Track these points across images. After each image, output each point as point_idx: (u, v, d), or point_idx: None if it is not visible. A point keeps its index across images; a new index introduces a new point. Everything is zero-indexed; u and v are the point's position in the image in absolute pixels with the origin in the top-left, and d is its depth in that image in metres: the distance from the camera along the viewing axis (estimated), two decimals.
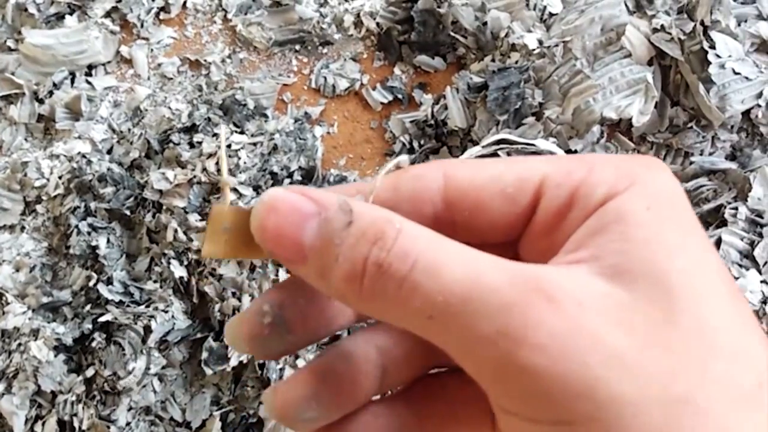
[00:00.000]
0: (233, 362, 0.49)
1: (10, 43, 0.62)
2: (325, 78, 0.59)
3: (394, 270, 0.20)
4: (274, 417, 0.24)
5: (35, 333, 0.52)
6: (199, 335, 0.52)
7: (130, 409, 0.50)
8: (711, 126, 0.54)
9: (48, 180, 0.56)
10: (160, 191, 0.54)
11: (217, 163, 0.53)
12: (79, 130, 0.58)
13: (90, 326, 0.52)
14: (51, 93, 0.60)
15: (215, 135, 0.56)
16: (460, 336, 0.19)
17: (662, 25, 0.55)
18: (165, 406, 0.51)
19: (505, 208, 0.23)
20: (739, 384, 0.19)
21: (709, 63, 0.53)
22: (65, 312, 0.53)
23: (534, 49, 0.56)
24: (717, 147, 0.55)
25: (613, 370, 0.18)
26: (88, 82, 0.60)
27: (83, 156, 0.56)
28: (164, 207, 0.54)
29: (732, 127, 0.54)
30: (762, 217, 0.51)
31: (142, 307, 0.52)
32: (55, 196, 0.56)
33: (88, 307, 0.53)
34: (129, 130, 0.58)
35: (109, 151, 0.58)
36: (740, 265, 0.50)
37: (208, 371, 0.49)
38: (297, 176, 0.55)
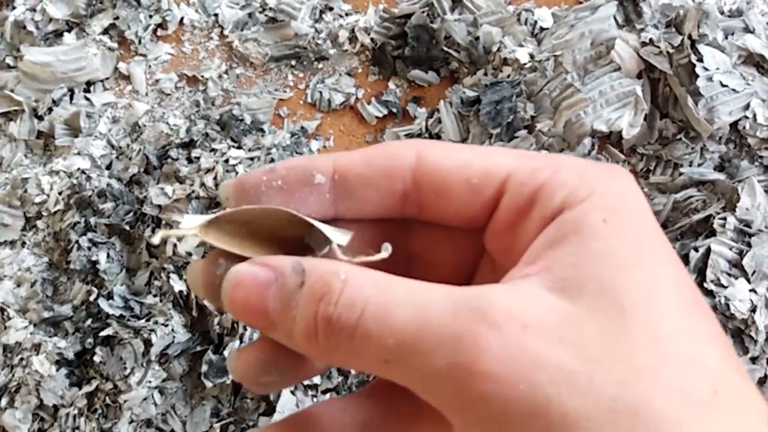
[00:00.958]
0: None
1: (9, 61, 0.63)
2: (321, 93, 0.60)
3: (343, 321, 0.20)
4: (235, 377, 0.25)
5: (37, 347, 0.53)
6: (198, 348, 0.52)
7: (131, 422, 0.51)
8: (699, 137, 0.55)
9: (48, 196, 0.57)
10: (159, 206, 0.55)
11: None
12: (78, 146, 0.59)
13: (91, 340, 0.53)
14: (50, 110, 0.60)
15: (213, 150, 0.57)
16: (417, 374, 0.20)
17: (651, 39, 0.56)
18: (166, 418, 0.52)
19: (470, 197, 0.24)
20: (693, 392, 0.19)
21: (697, 76, 0.54)
22: (66, 326, 0.54)
23: (525, 64, 0.57)
24: (706, 158, 0.56)
25: (561, 387, 0.18)
26: (87, 99, 0.61)
27: (83, 172, 0.57)
28: (163, 222, 0.55)
29: (720, 138, 0.55)
30: (750, 227, 0.52)
31: (143, 321, 0.52)
32: (56, 212, 0.57)
33: (89, 322, 0.53)
34: (128, 145, 0.59)
35: (108, 167, 0.59)
36: (729, 275, 0.51)
37: (208, 384, 0.50)
38: None
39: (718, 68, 0.55)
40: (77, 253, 0.55)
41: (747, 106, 0.54)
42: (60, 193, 0.57)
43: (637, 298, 0.20)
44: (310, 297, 0.21)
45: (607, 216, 0.21)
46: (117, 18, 0.62)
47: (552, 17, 0.59)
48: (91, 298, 0.54)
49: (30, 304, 0.55)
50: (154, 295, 0.54)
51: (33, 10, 0.63)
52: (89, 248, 0.55)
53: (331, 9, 0.62)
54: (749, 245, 0.51)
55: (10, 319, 0.54)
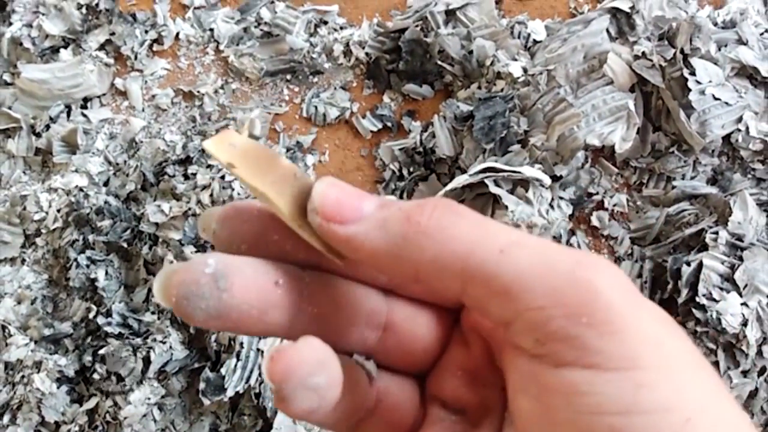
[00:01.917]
0: (230, 393, 0.50)
1: (7, 78, 0.63)
2: (316, 107, 0.61)
3: (463, 207, 0.21)
4: (275, 379, 0.20)
5: (38, 365, 0.53)
6: (196, 365, 0.53)
7: None
8: (692, 151, 0.55)
9: (47, 213, 0.58)
10: (156, 224, 0.55)
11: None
12: (76, 163, 0.59)
13: (90, 358, 0.53)
14: (48, 126, 0.61)
15: (209, 167, 0.57)
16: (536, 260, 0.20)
17: (643, 52, 0.56)
18: None
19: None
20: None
21: (690, 89, 0.54)
22: (66, 344, 0.55)
23: (519, 77, 0.57)
24: (698, 171, 0.56)
25: None
26: (84, 115, 0.61)
27: (80, 189, 0.58)
28: (160, 239, 0.55)
29: (713, 151, 0.56)
30: (742, 241, 0.52)
31: (141, 338, 0.53)
32: (54, 230, 0.58)
33: (88, 339, 0.54)
34: (125, 162, 0.60)
35: (106, 184, 0.59)
36: (721, 288, 0.51)
37: (206, 402, 0.51)
38: None
39: (710, 81, 0.55)
40: (76, 271, 0.55)
41: (740, 119, 0.55)
42: (58, 211, 0.58)
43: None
44: (410, 204, 0.21)
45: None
46: (113, 34, 0.63)
47: (545, 30, 0.60)
48: (91, 316, 0.55)
49: (31, 321, 0.56)
50: (152, 313, 0.54)
51: (30, 26, 0.63)
52: (88, 266, 0.55)
53: (325, 23, 0.63)
54: (741, 259, 0.52)
55: (11, 336, 0.55)
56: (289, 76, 0.62)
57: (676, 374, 0.19)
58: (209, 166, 0.57)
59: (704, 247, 0.53)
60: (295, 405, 0.20)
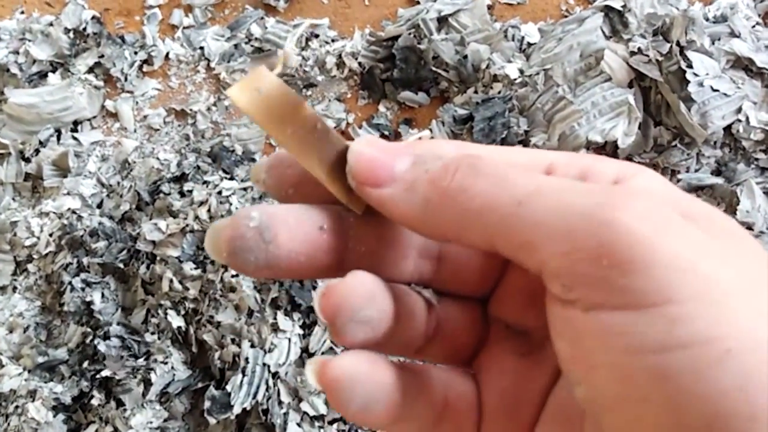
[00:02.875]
0: (236, 410, 0.48)
1: None
2: None
3: (486, 162, 0.21)
4: (326, 314, 0.21)
5: (32, 394, 0.51)
6: (200, 385, 0.51)
7: None
8: (695, 143, 0.55)
9: (38, 238, 0.56)
10: (153, 242, 0.54)
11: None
12: (67, 186, 0.58)
13: (88, 383, 0.51)
14: (37, 151, 0.60)
15: (205, 183, 0.56)
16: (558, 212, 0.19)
17: (639, 48, 0.56)
18: None
19: None
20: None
21: (688, 82, 0.54)
22: (62, 370, 0.52)
23: (516, 79, 0.56)
24: (702, 163, 0.55)
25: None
26: (75, 138, 0.60)
27: (73, 212, 0.56)
28: (158, 258, 0.53)
29: (715, 143, 0.55)
30: (752, 230, 0.51)
31: (141, 360, 0.51)
32: (47, 254, 0.56)
33: (85, 364, 0.52)
34: (118, 183, 0.58)
35: (99, 206, 0.58)
36: None
37: (212, 420, 0.48)
38: None
39: (707, 73, 0.55)
40: (71, 295, 0.53)
41: (739, 110, 0.54)
42: (50, 235, 0.56)
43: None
44: (437, 165, 0.21)
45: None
46: (102, 56, 0.62)
47: (539, 32, 0.59)
48: (87, 340, 0.52)
49: (23, 349, 0.53)
50: (152, 333, 0.52)
51: (16, 52, 0.62)
52: (83, 289, 0.53)
53: (317, 36, 0.62)
54: None
55: (3, 366, 0.52)
56: None
57: (714, 302, 0.18)
58: (205, 182, 0.56)
59: None
60: (349, 337, 0.21)
